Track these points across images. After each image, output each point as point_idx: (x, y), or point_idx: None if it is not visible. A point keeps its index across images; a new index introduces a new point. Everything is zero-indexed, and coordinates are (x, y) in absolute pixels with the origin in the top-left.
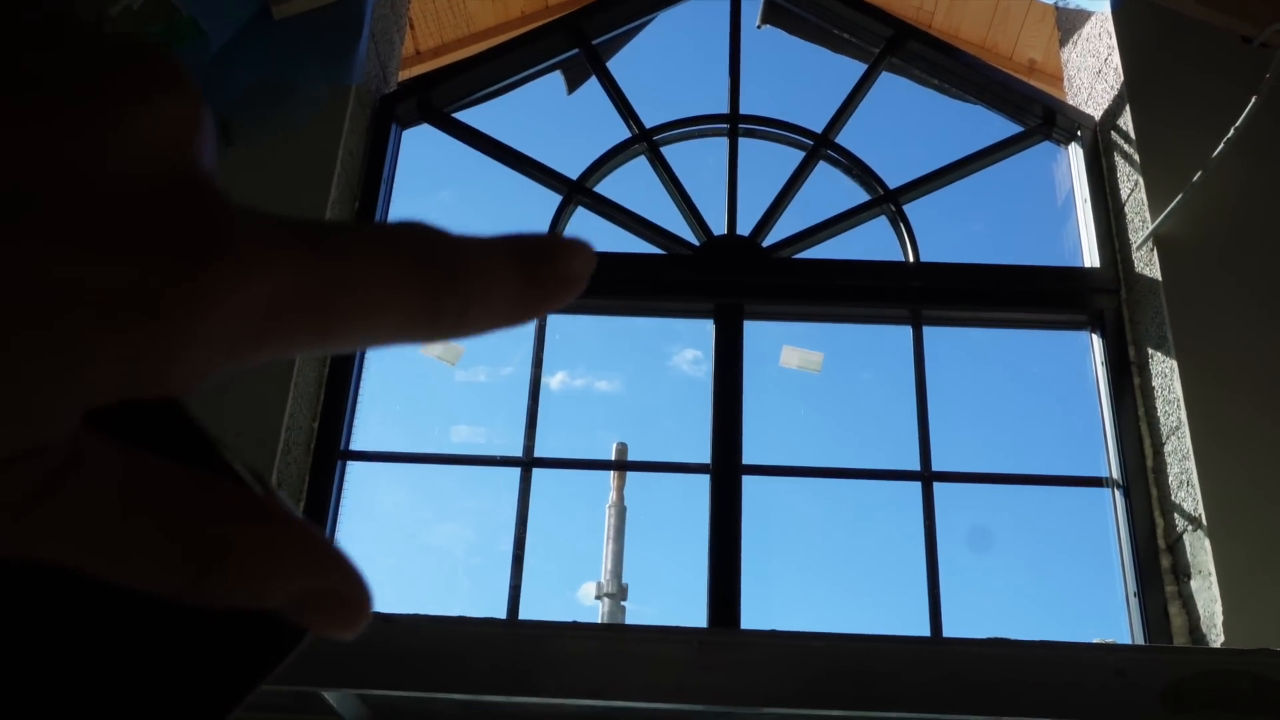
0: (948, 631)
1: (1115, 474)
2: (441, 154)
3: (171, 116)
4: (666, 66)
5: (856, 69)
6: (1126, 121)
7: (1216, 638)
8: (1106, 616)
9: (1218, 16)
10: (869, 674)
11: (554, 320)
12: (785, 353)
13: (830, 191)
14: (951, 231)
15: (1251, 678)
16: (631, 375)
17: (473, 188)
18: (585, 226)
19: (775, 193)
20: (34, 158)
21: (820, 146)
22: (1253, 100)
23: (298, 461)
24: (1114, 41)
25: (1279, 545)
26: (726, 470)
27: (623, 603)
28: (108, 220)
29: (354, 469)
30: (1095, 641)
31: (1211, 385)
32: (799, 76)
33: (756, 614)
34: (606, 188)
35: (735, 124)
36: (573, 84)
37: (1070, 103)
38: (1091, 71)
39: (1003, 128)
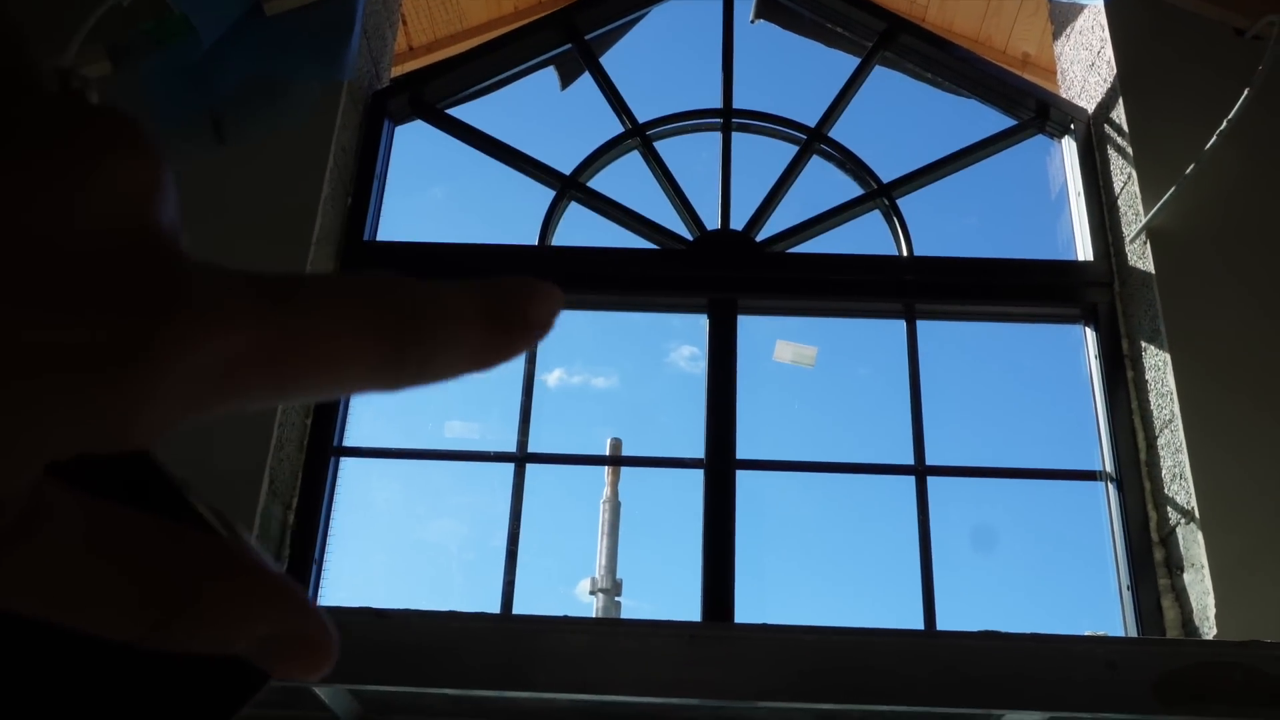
0: (942, 625)
1: (1108, 467)
2: (434, 150)
3: (133, 175)
4: (659, 61)
5: (850, 63)
6: (1119, 114)
7: (1209, 630)
8: (1100, 610)
9: (1210, 9)
10: (860, 667)
11: None
12: (779, 347)
13: (824, 186)
14: (945, 225)
15: (1243, 670)
16: (628, 372)
17: (466, 183)
18: (578, 222)
19: (769, 187)
20: None
21: (814, 141)
22: (1245, 93)
23: (291, 458)
24: (1107, 34)
25: (1271, 538)
26: (720, 465)
27: (617, 598)
28: (70, 281)
29: (347, 465)
30: (1087, 634)
31: (1204, 378)
32: (792, 71)
33: (750, 609)
34: (600, 183)
35: (728, 118)
36: (566, 79)
37: (1063, 96)
38: (1084, 65)
39: (996, 121)
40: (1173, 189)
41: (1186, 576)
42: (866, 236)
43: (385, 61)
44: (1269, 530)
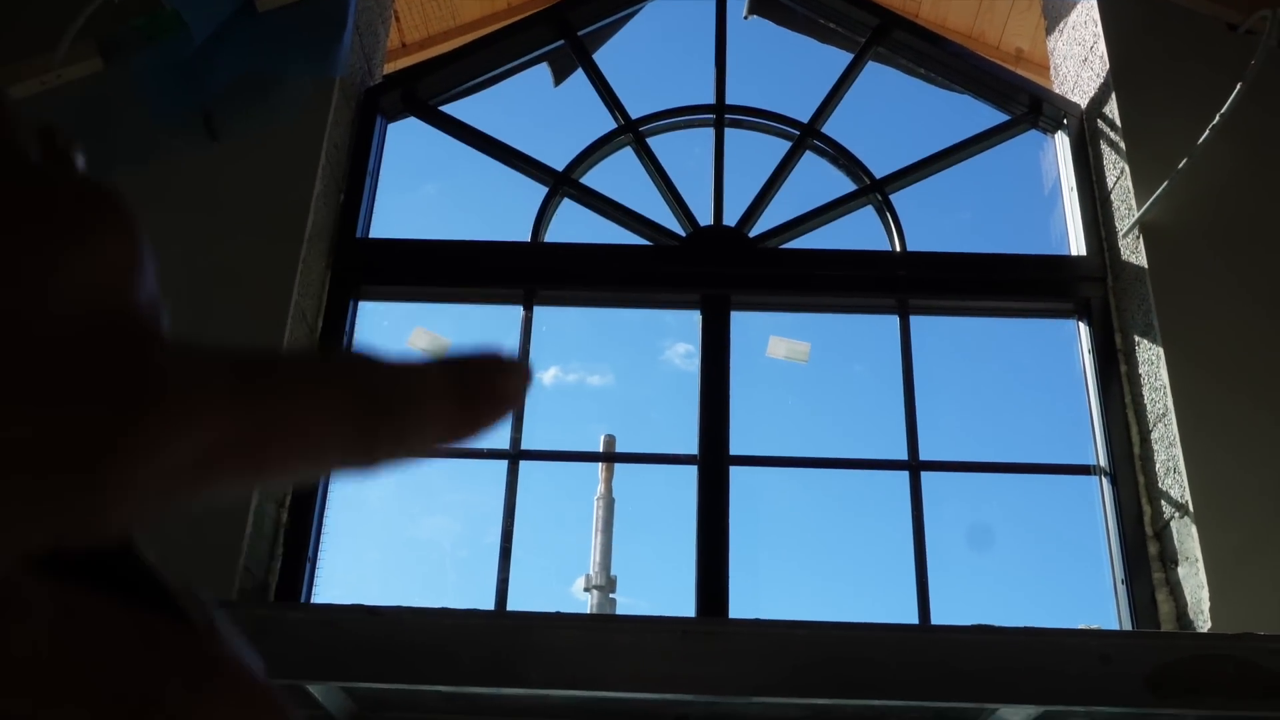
0: (936, 620)
1: (1102, 462)
2: (427, 147)
3: (110, 257)
4: (652, 57)
5: (843, 59)
6: (1112, 109)
7: (1204, 624)
8: (1094, 604)
9: (1203, 3)
10: (853, 662)
11: (541, 314)
12: (772, 343)
13: (817, 181)
14: (938, 221)
15: (1235, 662)
16: (623, 370)
17: (459, 180)
18: (571, 218)
19: (762, 183)
20: None
21: (806, 136)
22: (1238, 87)
23: None
24: (1100, 29)
25: (1265, 531)
26: (714, 461)
27: (611, 595)
28: (40, 370)
29: None
30: (1080, 628)
31: (1198, 372)
32: (785, 67)
33: (745, 605)
34: (593, 179)
35: (721, 114)
36: (559, 76)
37: (1057, 91)
38: (1077, 59)
39: (989, 117)
40: (1165, 183)
41: (1181, 570)
42: (860, 232)
43: (378, 58)
44: (1263, 523)
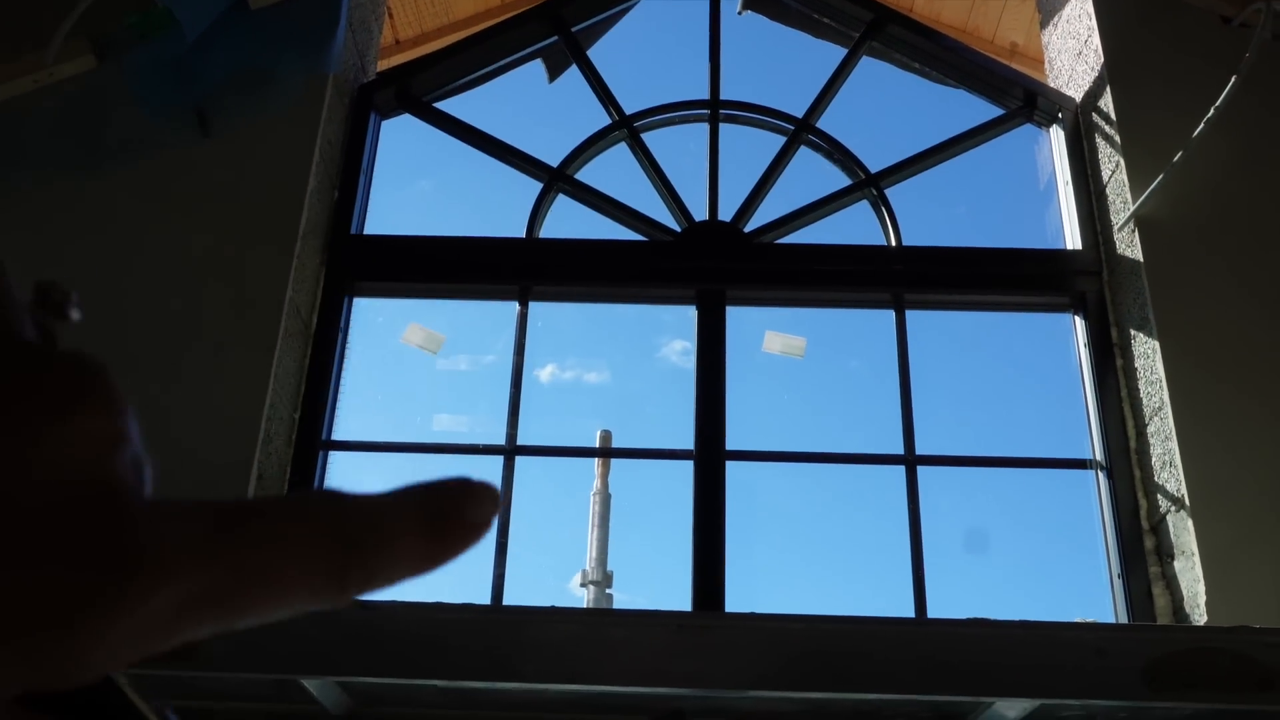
0: (932, 614)
1: (1098, 456)
2: (421, 143)
3: (93, 429)
4: (647, 53)
5: (837, 53)
6: (1107, 103)
7: (1200, 618)
8: (1091, 598)
9: None
10: (848, 655)
11: (536, 310)
12: (768, 338)
13: (812, 176)
14: (933, 215)
15: (1231, 655)
16: (620, 367)
17: (453, 176)
18: (566, 214)
19: (756, 178)
20: None
21: (801, 131)
22: (1232, 80)
23: (279, 451)
24: (1094, 23)
25: (1261, 525)
26: (710, 456)
27: (608, 590)
28: (23, 536)
29: (336, 459)
30: (1075, 621)
31: (1193, 366)
32: (779, 62)
33: (741, 599)
34: (587, 175)
35: (716, 109)
36: (553, 72)
37: (1051, 85)
38: (1072, 53)
39: (984, 111)
40: (1160, 177)
41: (1177, 564)
42: (855, 227)
43: (371, 55)
44: (1259, 517)
